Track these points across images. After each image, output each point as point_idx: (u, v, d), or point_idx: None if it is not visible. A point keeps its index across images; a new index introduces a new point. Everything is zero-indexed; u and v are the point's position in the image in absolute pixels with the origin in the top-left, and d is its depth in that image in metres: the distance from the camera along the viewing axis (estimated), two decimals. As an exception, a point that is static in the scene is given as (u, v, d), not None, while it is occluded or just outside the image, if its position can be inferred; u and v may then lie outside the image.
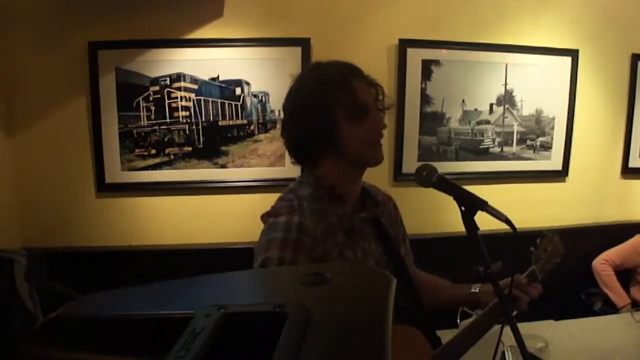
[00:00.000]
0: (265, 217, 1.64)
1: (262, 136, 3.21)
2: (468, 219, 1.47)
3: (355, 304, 0.59)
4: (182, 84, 3.10)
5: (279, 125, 3.19)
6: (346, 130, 1.61)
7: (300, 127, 1.65)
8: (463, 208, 1.48)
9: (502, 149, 3.52)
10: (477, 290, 1.89)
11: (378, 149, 1.68)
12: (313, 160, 1.70)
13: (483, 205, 1.46)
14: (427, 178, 1.55)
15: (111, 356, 0.61)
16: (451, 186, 1.52)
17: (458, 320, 2.21)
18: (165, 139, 3.14)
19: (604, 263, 3.37)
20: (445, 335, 1.80)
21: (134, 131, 3.11)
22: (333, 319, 0.55)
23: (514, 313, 1.76)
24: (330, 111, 1.60)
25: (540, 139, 3.58)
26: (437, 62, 3.34)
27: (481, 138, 3.47)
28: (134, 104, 3.09)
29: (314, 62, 1.75)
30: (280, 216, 1.58)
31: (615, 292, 3.31)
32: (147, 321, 0.60)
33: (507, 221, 1.43)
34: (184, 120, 3.13)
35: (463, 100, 3.41)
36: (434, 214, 3.28)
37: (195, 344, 0.50)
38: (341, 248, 1.62)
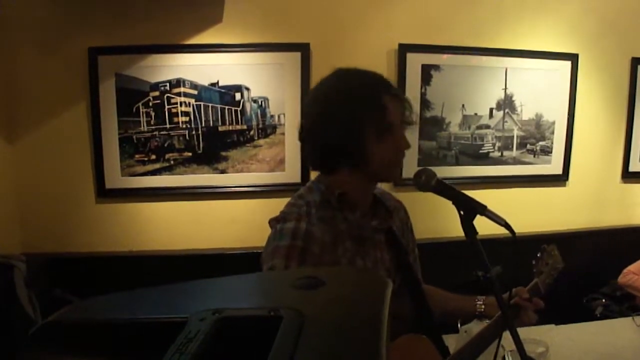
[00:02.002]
0: (273, 222, 1.63)
1: (262, 141, 3.21)
2: (467, 223, 1.47)
3: (350, 307, 0.59)
4: (182, 89, 3.10)
5: (278, 131, 3.19)
6: (372, 148, 1.60)
7: (324, 137, 1.63)
8: (462, 212, 1.48)
9: (502, 153, 3.52)
10: (482, 304, 1.89)
11: (398, 168, 1.69)
12: (330, 169, 1.70)
13: (482, 210, 1.46)
14: (425, 182, 1.55)
15: (106, 361, 0.61)
16: (450, 190, 1.52)
17: (459, 325, 2.21)
18: (165, 145, 3.14)
19: (626, 274, 3.29)
20: (447, 340, 1.80)
21: (134, 137, 3.11)
22: (328, 322, 0.55)
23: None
24: (360, 128, 1.58)
25: (541, 143, 3.57)
26: (436, 67, 3.34)
27: (481, 143, 3.47)
28: (134, 110, 3.09)
29: (341, 69, 1.70)
30: (288, 222, 1.57)
31: None
32: (143, 325, 0.60)
33: (507, 225, 1.43)
34: (184, 126, 3.13)
35: (463, 105, 3.40)
36: (434, 219, 3.27)
37: (189, 348, 0.50)
38: (351, 256, 1.61)
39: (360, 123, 1.58)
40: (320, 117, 1.65)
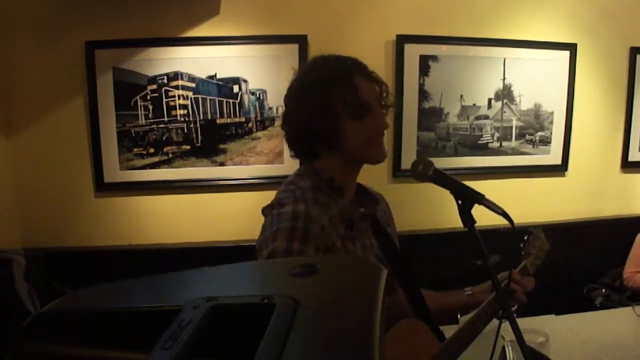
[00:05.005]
0: (267, 209, 1.60)
1: (260, 134, 3.21)
2: (465, 212, 1.47)
3: (344, 294, 0.59)
4: (180, 82, 3.09)
5: (277, 123, 3.19)
6: (347, 128, 1.60)
7: (300, 123, 1.64)
8: (460, 202, 1.48)
9: (501, 144, 3.51)
10: (471, 292, 1.90)
11: (379, 148, 1.66)
12: (312, 155, 1.69)
13: (480, 199, 1.45)
14: (423, 172, 1.54)
15: (101, 349, 0.60)
16: (448, 180, 1.51)
17: (458, 316, 2.22)
18: (164, 138, 3.13)
19: (631, 277, 3.28)
20: (447, 331, 1.80)
21: (132, 130, 3.11)
22: (321, 309, 0.54)
23: (514, 307, 1.76)
24: (332, 108, 1.58)
25: (539, 133, 3.57)
26: (434, 58, 3.33)
27: (480, 133, 3.47)
28: (132, 103, 3.09)
29: (316, 55, 1.72)
30: (285, 206, 1.54)
31: None
32: (136, 314, 0.60)
33: (504, 214, 1.42)
34: (182, 119, 3.13)
35: (461, 96, 3.40)
36: (433, 210, 3.28)
37: (182, 335, 0.50)
38: (343, 241, 1.61)
39: (332, 102, 1.58)
40: (295, 102, 1.67)
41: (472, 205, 1.46)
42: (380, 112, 1.65)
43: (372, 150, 1.65)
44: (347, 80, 1.60)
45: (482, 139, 3.48)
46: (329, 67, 1.64)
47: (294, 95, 1.68)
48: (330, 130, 1.60)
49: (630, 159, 3.77)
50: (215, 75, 3.12)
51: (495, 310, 1.71)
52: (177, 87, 3.10)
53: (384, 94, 1.69)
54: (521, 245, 1.96)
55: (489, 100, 3.45)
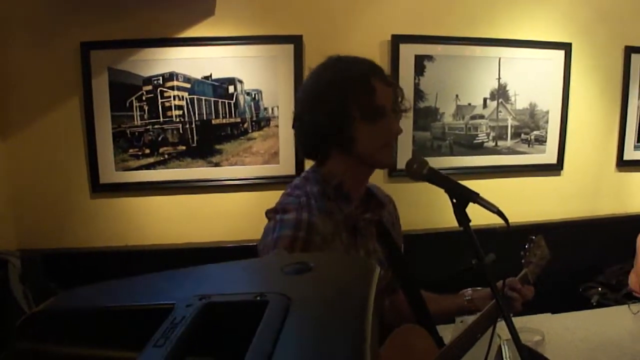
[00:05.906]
0: (271, 213, 1.60)
1: (255, 134, 3.20)
2: (460, 211, 1.47)
3: (336, 291, 0.59)
4: (175, 83, 3.09)
5: (272, 123, 3.19)
6: (359, 130, 1.59)
7: (312, 123, 1.63)
8: (454, 200, 1.48)
9: (496, 143, 3.52)
10: (470, 298, 1.90)
11: (389, 152, 1.67)
12: (323, 156, 1.69)
13: (474, 197, 1.45)
14: (417, 171, 1.54)
15: (94, 348, 0.60)
16: (442, 178, 1.52)
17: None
18: (159, 139, 3.13)
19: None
20: (443, 330, 1.80)
21: (128, 131, 3.10)
22: (314, 306, 0.55)
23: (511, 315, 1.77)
24: (346, 111, 1.58)
25: (535, 132, 3.57)
26: (430, 57, 3.33)
27: (475, 133, 3.47)
28: (127, 104, 3.08)
29: (332, 55, 1.71)
30: (288, 213, 1.54)
31: None
32: (129, 312, 0.60)
33: (499, 212, 1.42)
34: (178, 120, 3.12)
35: (456, 95, 3.40)
36: (430, 210, 3.28)
37: (175, 333, 0.50)
38: (346, 247, 1.61)
39: (347, 104, 1.57)
40: (309, 101, 1.66)
41: (467, 204, 1.46)
42: (393, 117, 1.65)
43: (382, 155, 1.66)
44: (364, 82, 1.59)
45: (477, 138, 3.48)
46: (345, 68, 1.63)
47: (307, 95, 1.67)
48: (343, 133, 1.60)
49: (625, 157, 3.77)
50: (211, 75, 3.11)
51: (494, 316, 1.71)
52: (172, 88, 3.09)
53: (399, 99, 1.68)
54: (522, 253, 1.97)
55: (485, 99, 3.45)
